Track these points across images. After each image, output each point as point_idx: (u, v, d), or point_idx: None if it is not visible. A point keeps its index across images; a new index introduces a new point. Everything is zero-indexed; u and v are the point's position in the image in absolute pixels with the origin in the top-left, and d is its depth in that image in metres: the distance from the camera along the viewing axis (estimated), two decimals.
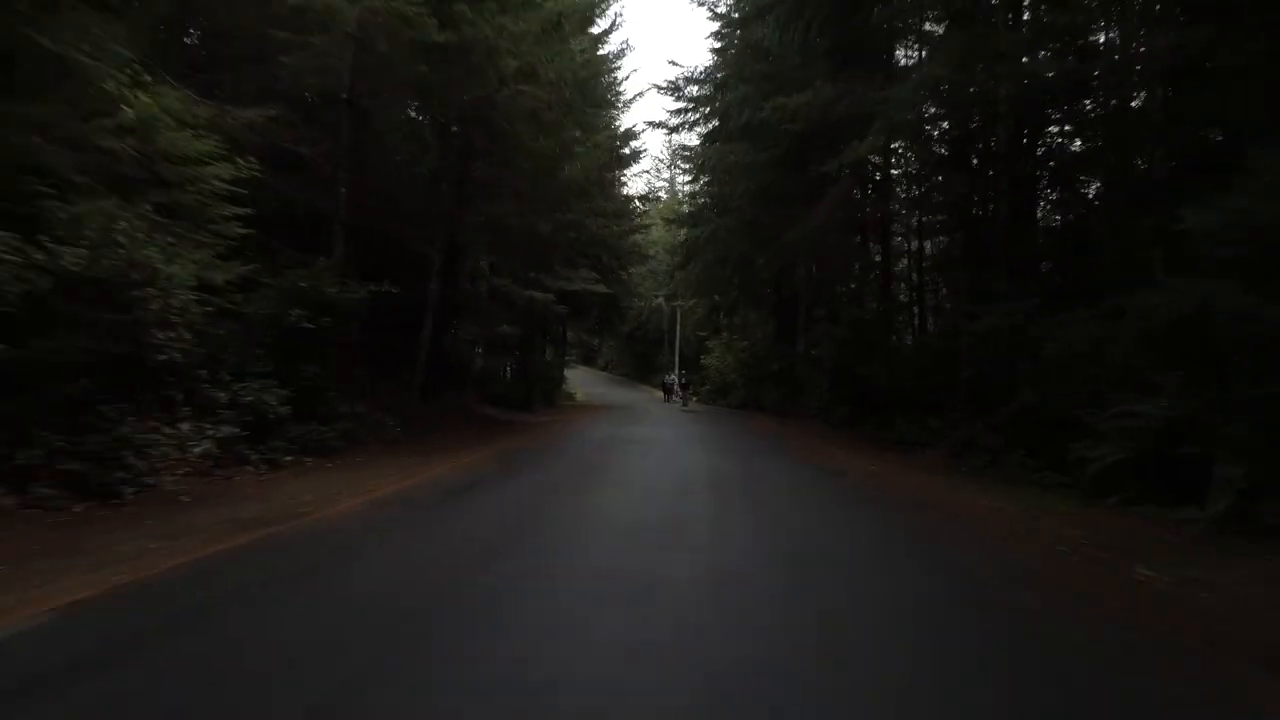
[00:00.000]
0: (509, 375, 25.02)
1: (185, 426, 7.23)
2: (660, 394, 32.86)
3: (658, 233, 37.48)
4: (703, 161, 19.64)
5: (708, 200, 23.53)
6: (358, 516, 5.47)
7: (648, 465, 9.19)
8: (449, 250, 14.61)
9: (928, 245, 18.23)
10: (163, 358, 6.14)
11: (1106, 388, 7.87)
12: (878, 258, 17.48)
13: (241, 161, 6.33)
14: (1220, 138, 9.11)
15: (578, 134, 12.88)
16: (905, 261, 19.66)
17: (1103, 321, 8.24)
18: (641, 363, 46.58)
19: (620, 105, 23.17)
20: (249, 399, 7.76)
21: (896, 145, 15.08)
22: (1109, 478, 7.36)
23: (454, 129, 11.78)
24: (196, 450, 6.89)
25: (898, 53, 15.72)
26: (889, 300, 15.49)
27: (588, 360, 56.71)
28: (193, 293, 6.74)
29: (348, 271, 9.70)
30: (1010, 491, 8.01)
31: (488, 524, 5.43)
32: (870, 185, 16.85)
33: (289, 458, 7.99)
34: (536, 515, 5.82)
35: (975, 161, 12.52)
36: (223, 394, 7.70)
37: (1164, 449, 6.66)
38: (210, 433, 7.20)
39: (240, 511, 5.61)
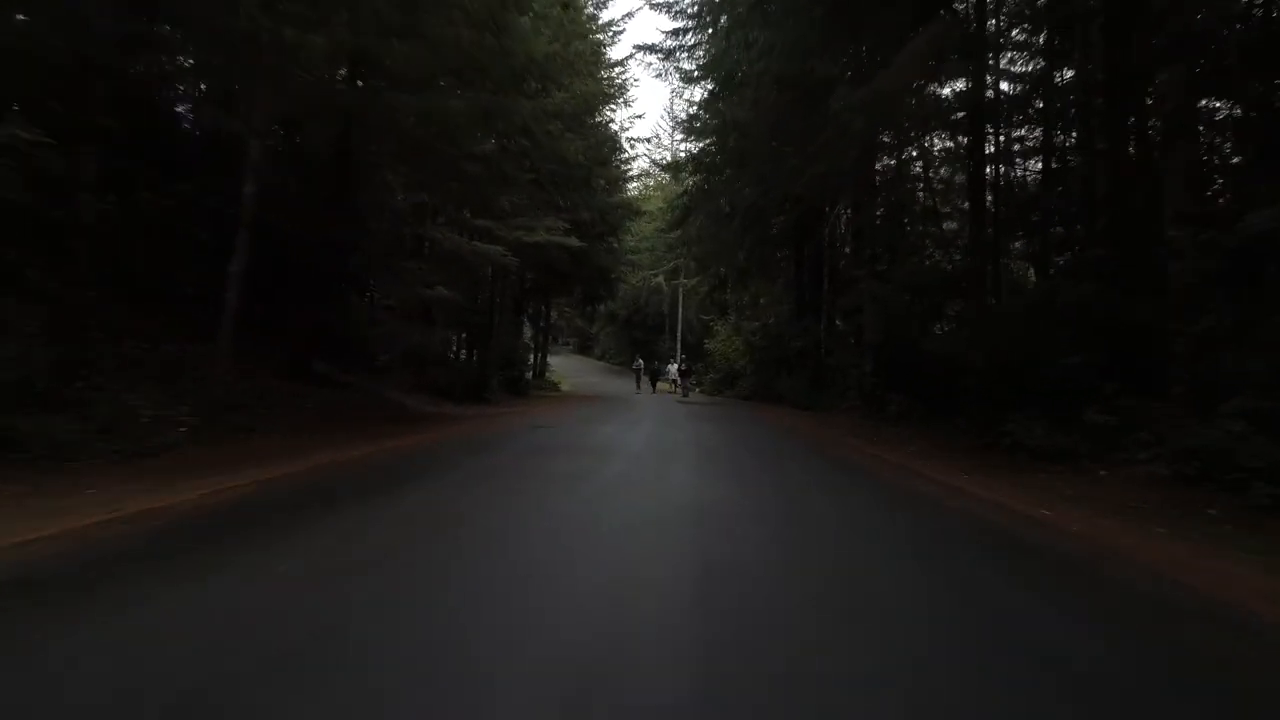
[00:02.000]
0: (472, 358, 20.28)
1: None
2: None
3: (655, 203, 33.97)
4: (709, 54, 14.57)
5: (711, 118, 18.35)
6: None
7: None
8: (343, 150, 9.84)
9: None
10: None
11: None
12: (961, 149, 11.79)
13: None
14: None
15: None
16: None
17: None
18: (640, 351, 42.25)
19: None
20: None
21: None
22: None
23: None
24: None
25: None
26: (980, 234, 10.18)
27: (584, 349, 53.25)
28: None
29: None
30: None
31: None
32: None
33: None
34: None
35: None
36: None
37: None
38: None
39: None
